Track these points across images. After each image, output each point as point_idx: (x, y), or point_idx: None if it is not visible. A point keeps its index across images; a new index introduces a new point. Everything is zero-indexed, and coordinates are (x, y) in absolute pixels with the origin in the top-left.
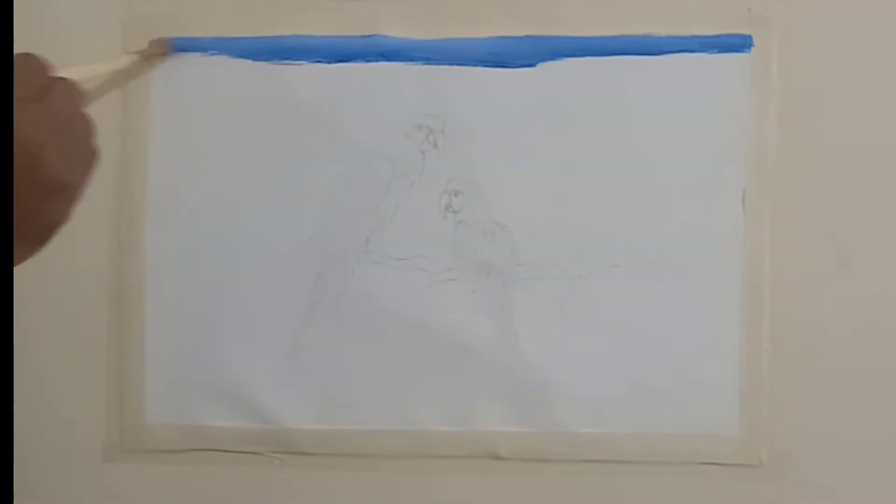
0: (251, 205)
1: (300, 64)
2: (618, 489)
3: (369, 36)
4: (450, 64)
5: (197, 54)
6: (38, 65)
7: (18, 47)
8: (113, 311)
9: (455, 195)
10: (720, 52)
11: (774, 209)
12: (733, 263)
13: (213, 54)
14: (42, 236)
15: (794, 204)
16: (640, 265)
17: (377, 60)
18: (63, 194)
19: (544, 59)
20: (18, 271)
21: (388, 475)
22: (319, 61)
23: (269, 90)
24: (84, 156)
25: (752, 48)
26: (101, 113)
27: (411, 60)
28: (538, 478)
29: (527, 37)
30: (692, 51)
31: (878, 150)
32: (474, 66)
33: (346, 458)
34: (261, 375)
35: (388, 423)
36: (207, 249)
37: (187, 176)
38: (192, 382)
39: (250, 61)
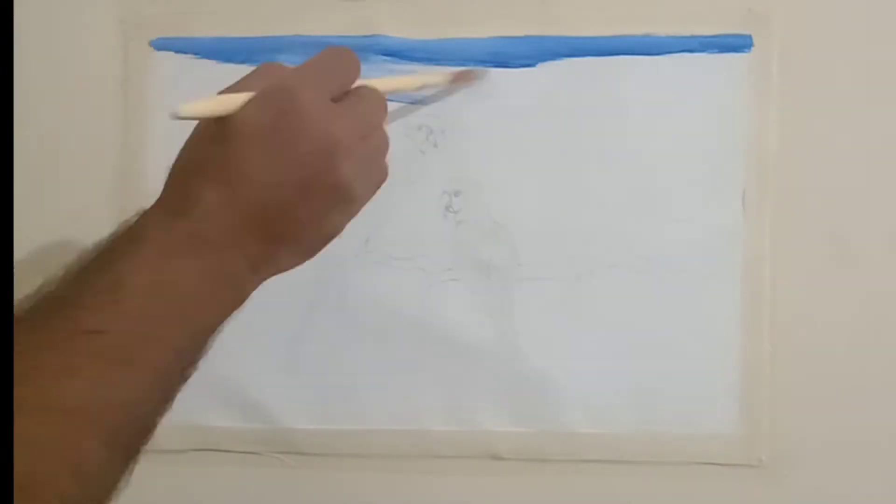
0: None
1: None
2: (618, 489)
3: (369, 36)
4: (450, 64)
5: (197, 54)
6: (350, 65)
7: (18, 47)
8: None
9: (455, 195)
10: (720, 52)
11: (774, 209)
12: (733, 263)
13: (212, 54)
14: (314, 245)
15: (794, 204)
16: (640, 265)
17: (377, 60)
18: (348, 206)
19: (544, 59)
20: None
21: (388, 475)
22: None
23: None
24: (375, 171)
25: (752, 48)
26: (101, 113)
27: (411, 60)
28: (538, 478)
29: (527, 37)
30: (692, 51)
31: (878, 150)
32: (474, 66)
33: (346, 458)
34: (261, 375)
35: (389, 423)
36: None
37: None
38: (191, 382)
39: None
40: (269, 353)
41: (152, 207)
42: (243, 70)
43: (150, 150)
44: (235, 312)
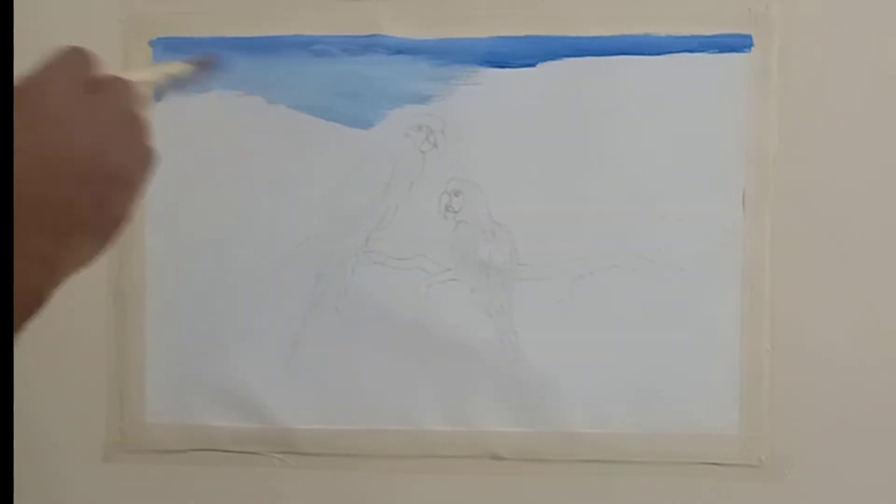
0: (251, 205)
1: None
2: (618, 489)
3: (370, 35)
4: (450, 64)
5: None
6: (89, 58)
7: (18, 47)
8: (113, 312)
9: (455, 195)
10: (720, 52)
11: (774, 209)
12: (733, 263)
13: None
14: (108, 230)
15: (794, 204)
16: (640, 265)
17: (377, 60)
18: (124, 188)
19: (544, 59)
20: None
21: (388, 475)
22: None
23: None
24: (142, 152)
25: (752, 48)
26: None
27: (411, 60)
28: (538, 478)
29: (527, 37)
30: (692, 51)
31: (878, 150)
32: (474, 66)
33: (346, 458)
34: (261, 375)
35: (388, 423)
36: (207, 249)
37: (187, 176)
38: (192, 382)
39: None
40: (269, 353)
41: None
42: (243, 70)
43: None
44: (32, 316)
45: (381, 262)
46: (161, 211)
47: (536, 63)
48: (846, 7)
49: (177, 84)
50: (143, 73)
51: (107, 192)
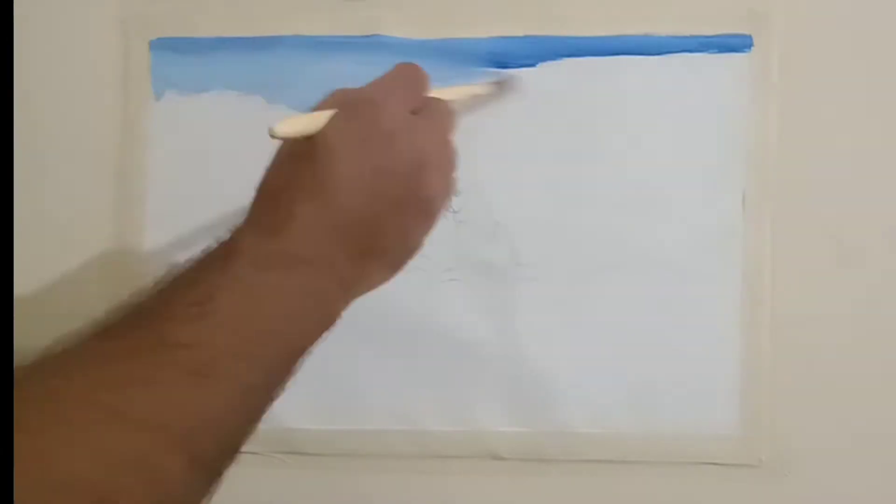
0: None
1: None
2: (618, 489)
3: (370, 35)
4: (450, 64)
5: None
6: (423, 77)
7: (18, 47)
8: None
9: (455, 195)
10: (720, 52)
11: (774, 209)
12: (733, 263)
13: (212, 54)
14: (401, 260)
15: (794, 204)
16: (640, 265)
17: (377, 60)
18: (430, 218)
19: (544, 59)
20: (18, 272)
21: (388, 475)
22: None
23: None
24: (449, 183)
25: (752, 48)
26: (100, 113)
27: (411, 60)
28: (538, 478)
29: (527, 37)
30: (692, 51)
31: (878, 150)
32: (474, 66)
33: (346, 458)
34: None
35: (388, 423)
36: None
37: (187, 176)
38: None
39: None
40: None
41: (244, 225)
42: (243, 70)
43: (150, 150)
44: (325, 333)
45: None
46: (161, 211)
47: (536, 63)
48: (846, 7)
49: (476, 104)
50: (451, 92)
51: (413, 220)
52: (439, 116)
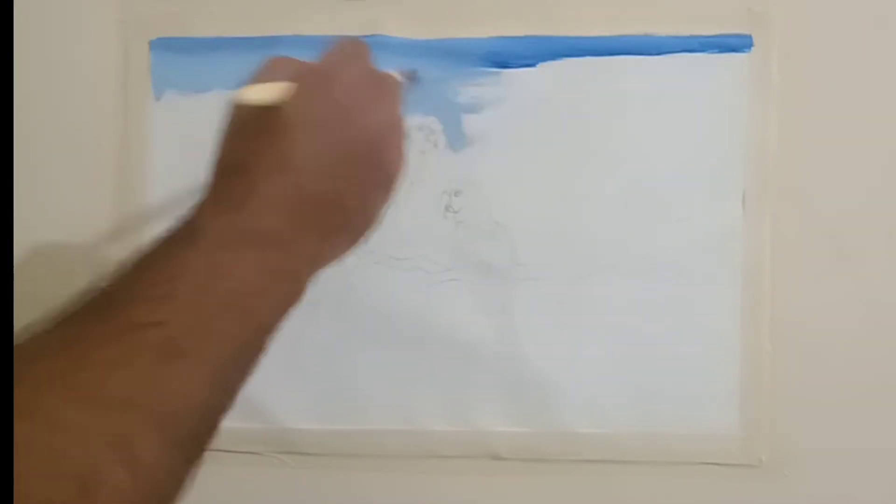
0: None
1: None
2: (618, 489)
3: (369, 36)
4: (449, 64)
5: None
6: (367, 51)
7: (18, 47)
8: None
9: (455, 195)
10: (720, 52)
11: (774, 209)
12: (733, 263)
13: (212, 54)
14: (362, 231)
15: (794, 204)
16: (640, 265)
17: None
18: (385, 190)
19: (544, 59)
20: (18, 271)
21: (388, 475)
22: None
23: None
24: (402, 156)
25: (752, 48)
26: (101, 113)
27: (411, 60)
28: (538, 478)
29: (527, 37)
30: (692, 51)
31: (878, 150)
32: (475, 66)
33: (346, 458)
34: (261, 375)
35: (388, 423)
36: None
37: (187, 176)
38: None
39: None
40: (270, 353)
41: (205, 202)
42: (243, 70)
43: (151, 150)
44: (292, 308)
45: (381, 262)
46: (161, 211)
47: (536, 63)
48: (846, 7)
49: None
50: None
51: (371, 193)
52: (389, 89)
